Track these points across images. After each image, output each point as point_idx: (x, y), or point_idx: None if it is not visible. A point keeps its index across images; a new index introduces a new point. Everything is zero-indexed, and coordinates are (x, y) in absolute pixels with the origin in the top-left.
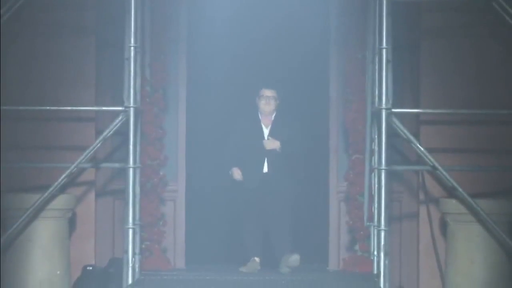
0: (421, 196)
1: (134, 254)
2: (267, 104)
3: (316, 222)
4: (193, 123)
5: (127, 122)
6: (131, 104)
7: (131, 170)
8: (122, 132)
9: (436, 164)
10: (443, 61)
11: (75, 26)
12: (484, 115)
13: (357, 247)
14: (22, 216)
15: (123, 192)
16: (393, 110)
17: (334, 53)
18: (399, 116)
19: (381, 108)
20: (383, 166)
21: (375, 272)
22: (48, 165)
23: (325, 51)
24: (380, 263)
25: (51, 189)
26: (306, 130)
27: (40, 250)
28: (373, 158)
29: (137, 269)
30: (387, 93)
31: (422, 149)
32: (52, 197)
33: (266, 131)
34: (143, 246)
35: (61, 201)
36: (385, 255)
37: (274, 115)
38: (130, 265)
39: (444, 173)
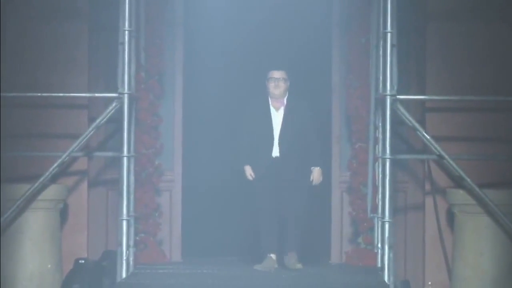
0: (427, 187)
1: (128, 246)
2: (277, 87)
3: (318, 214)
4: (191, 110)
5: (121, 109)
6: (126, 91)
7: (125, 159)
8: (116, 120)
9: (443, 153)
10: (450, 45)
11: (67, 9)
12: (492, 102)
13: (360, 239)
14: (11, 207)
15: (117, 182)
16: (398, 96)
17: (336, 37)
18: (404, 103)
19: (386, 95)
20: (388, 155)
21: (379, 265)
22: (39, 154)
23: (327, 35)
24: (384, 256)
25: (41, 179)
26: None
27: (30, 243)
28: (377, 146)
29: (131, 263)
30: (391, 79)
31: (428, 137)
32: (43, 187)
33: (276, 114)
34: (138, 238)
35: (52, 192)
36: (389, 247)
37: (286, 97)
38: (124, 258)
39: (451, 162)
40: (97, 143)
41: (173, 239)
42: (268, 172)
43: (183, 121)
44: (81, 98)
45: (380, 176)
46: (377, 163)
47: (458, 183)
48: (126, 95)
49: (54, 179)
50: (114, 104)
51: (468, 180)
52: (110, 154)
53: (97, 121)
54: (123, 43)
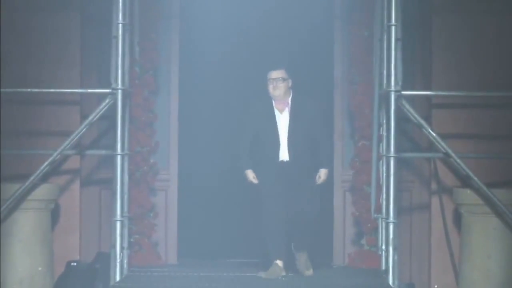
0: (433, 186)
1: (122, 248)
2: (276, 88)
3: (320, 214)
4: (187, 106)
5: (114, 105)
6: (119, 86)
7: (119, 158)
8: (109, 116)
9: (449, 151)
10: (457, 39)
11: (58, 0)
12: (501, 98)
13: (363, 241)
14: (0, 208)
15: (110, 181)
16: (403, 92)
17: (338, 30)
18: (409, 99)
19: (390, 91)
20: (392, 153)
21: (383, 268)
22: (29, 152)
23: (328, 28)
24: (389, 258)
25: (32, 178)
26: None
27: (20, 245)
28: (381, 144)
29: (125, 265)
30: (396, 74)
31: (434, 134)
32: (34, 186)
33: (281, 117)
34: (132, 240)
35: (43, 191)
36: (394, 249)
37: (290, 97)
38: (118, 260)
39: (458, 160)
40: (90, 141)
41: (169, 240)
42: (277, 177)
43: (179, 118)
44: (73, 94)
45: (384, 175)
46: (381, 162)
47: (465, 182)
48: (119, 91)
49: (45, 178)
50: (107, 100)
51: (476, 179)
52: (103, 152)
53: (90, 117)
54: (116, 37)
